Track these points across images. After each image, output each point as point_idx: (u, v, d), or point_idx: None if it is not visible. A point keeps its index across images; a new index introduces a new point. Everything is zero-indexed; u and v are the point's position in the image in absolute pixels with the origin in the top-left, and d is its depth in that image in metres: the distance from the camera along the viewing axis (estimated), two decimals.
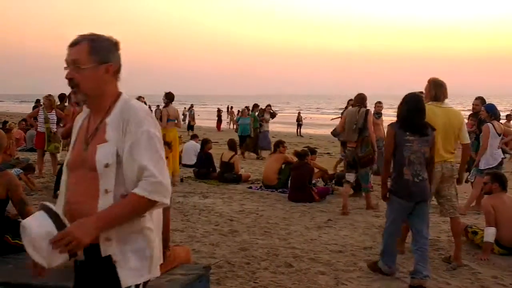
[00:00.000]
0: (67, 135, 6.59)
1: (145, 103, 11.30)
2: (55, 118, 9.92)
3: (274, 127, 32.14)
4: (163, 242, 3.37)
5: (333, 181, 9.52)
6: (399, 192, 4.49)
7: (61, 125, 9.65)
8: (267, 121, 16.35)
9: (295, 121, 30.62)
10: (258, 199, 8.48)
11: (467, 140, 5.24)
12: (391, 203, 4.59)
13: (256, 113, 16.68)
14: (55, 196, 6.50)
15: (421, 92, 6.56)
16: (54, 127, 9.85)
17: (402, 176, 4.43)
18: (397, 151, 4.49)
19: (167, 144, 8.74)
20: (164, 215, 3.37)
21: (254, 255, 5.21)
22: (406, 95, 4.72)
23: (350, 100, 9.77)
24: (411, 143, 4.46)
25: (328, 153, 16.73)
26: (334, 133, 10.88)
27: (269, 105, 17.96)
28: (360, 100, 8.01)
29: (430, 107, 4.91)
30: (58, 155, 10.07)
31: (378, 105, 11.54)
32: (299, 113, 31.48)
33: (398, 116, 4.68)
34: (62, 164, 5.43)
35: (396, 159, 4.51)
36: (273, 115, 16.94)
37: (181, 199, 8.04)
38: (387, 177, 4.70)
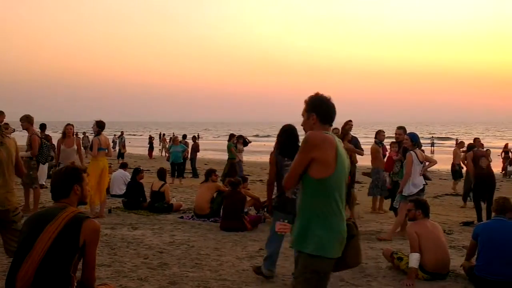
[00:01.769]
0: None
1: (13, 129, 10.59)
2: None
3: (206, 154, 32.14)
4: (85, 283, 3.22)
5: (265, 209, 9.54)
6: (280, 207, 5.33)
7: None
8: (240, 151, 15.86)
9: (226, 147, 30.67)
10: (189, 229, 8.32)
11: None
12: (274, 216, 5.43)
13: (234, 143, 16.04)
14: None
15: (350, 121, 7.33)
16: None
17: (283, 195, 5.29)
18: (278, 174, 5.38)
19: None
20: (90, 252, 3.23)
21: None
22: (284, 126, 5.76)
23: None
24: (289, 167, 4.77)
25: (260, 180, 16.82)
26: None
27: (241, 136, 17.22)
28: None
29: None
30: None
31: (382, 133, 11.26)
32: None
33: (277, 144, 5.67)
34: None
35: (278, 181, 5.40)
36: (246, 143, 16.29)
37: (108, 232, 7.73)
38: (270, 196, 5.56)
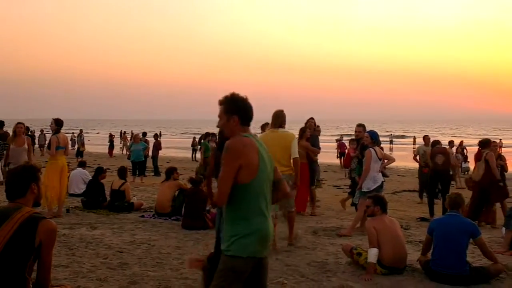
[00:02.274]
0: None
1: None
2: None
3: (168, 152, 31.84)
4: (41, 284, 3.15)
5: None
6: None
7: None
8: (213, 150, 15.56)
9: (190, 145, 30.49)
10: (150, 228, 8.23)
11: (295, 155, 6.69)
12: (217, 211, 5.76)
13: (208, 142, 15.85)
14: None
15: (312, 118, 7.78)
16: None
17: None
18: (217, 170, 5.62)
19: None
20: (46, 253, 3.15)
21: None
22: None
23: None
24: None
25: None
26: None
27: (214, 134, 17.00)
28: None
29: (267, 132, 6.91)
30: None
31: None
32: (194, 138, 31.36)
33: (217, 140, 6.13)
34: None
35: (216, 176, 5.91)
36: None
37: (66, 232, 7.56)
38: (210, 190, 5.63)
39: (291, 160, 6.72)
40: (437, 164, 9.67)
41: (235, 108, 3.21)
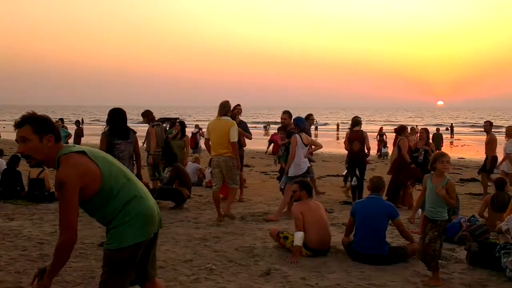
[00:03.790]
0: None
1: None
2: None
3: (91, 139, 30.72)
4: None
5: (154, 196, 9.40)
6: None
7: None
8: None
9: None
10: None
11: (233, 139, 7.65)
12: None
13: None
14: None
15: (238, 105, 8.54)
16: None
17: None
18: (109, 152, 6.08)
19: None
20: None
21: (67, 280, 4.84)
22: (111, 109, 6.80)
23: None
24: (119, 145, 6.63)
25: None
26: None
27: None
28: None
29: (213, 120, 7.97)
30: None
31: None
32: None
33: (108, 125, 6.74)
34: None
35: None
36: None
37: None
38: None
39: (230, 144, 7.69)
40: (353, 150, 9.96)
41: (49, 127, 2.91)
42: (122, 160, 6.30)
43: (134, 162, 7.14)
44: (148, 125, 10.15)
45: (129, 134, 6.82)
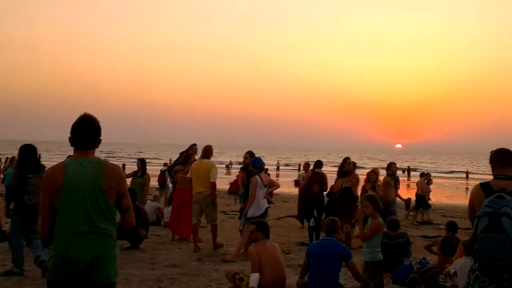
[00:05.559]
0: None
1: None
2: None
3: None
4: None
5: None
6: (18, 214, 6.71)
7: None
8: None
9: None
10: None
11: (213, 179, 8.76)
12: (12, 221, 6.85)
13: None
14: None
15: (194, 144, 9.46)
16: None
17: (23, 202, 6.63)
18: (21, 186, 6.60)
19: None
20: None
21: None
22: (21, 146, 6.89)
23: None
24: (31, 179, 6.67)
25: None
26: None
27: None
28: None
29: (195, 162, 9.20)
30: None
31: (394, 166, 11.29)
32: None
33: (19, 161, 6.90)
34: None
35: (16, 192, 6.66)
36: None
37: None
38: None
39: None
40: (312, 192, 10.10)
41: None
42: (33, 194, 6.47)
43: None
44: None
45: (41, 170, 6.62)
